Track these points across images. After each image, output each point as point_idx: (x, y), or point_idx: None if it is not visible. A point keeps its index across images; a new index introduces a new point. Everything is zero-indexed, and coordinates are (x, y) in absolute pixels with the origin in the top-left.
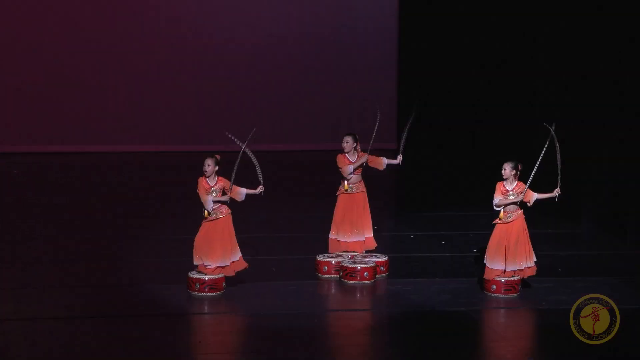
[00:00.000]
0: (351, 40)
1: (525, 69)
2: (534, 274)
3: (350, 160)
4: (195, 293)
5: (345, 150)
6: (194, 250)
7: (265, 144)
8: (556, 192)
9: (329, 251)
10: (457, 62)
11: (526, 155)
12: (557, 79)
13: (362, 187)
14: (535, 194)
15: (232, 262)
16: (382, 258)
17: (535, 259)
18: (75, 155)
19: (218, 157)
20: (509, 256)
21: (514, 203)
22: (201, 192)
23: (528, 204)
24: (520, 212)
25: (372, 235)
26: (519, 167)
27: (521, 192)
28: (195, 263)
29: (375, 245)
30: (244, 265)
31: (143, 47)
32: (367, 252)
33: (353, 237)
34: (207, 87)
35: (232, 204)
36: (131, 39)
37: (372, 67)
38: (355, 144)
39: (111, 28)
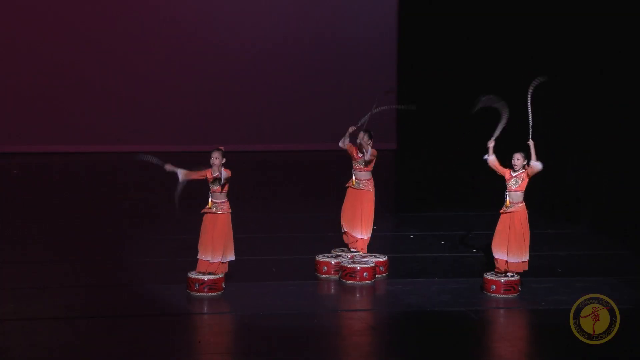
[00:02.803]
0: (351, 40)
1: (525, 68)
2: (524, 269)
3: (358, 154)
4: (195, 293)
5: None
6: (199, 244)
7: (266, 144)
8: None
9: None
10: (457, 62)
11: (526, 154)
12: (557, 79)
13: (368, 185)
14: (532, 161)
15: (227, 261)
16: (382, 258)
17: (527, 257)
18: (76, 155)
19: (222, 148)
20: (510, 248)
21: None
22: (195, 172)
23: (538, 167)
24: (521, 204)
25: (367, 237)
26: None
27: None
28: (199, 257)
29: (365, 250)
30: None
31: (143, 47)
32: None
33: (353, 233)
34: (208, 88)
35: (231, 204)
36: (131, 39)
37: (372, 67)
38: (370, 141)
39: (111, 28)
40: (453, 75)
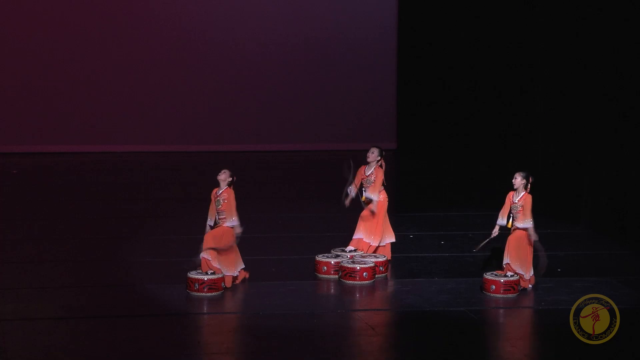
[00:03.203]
0: (351, 40)
1: (525, 69)
2: (526, 286)
3: (366, 173)
4: (194, 293)
5: (368, 160)
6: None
7: (266, 144)
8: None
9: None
10: (457, 61)
11: (525, 155)
12: (556, 81)
13: (380, 197)
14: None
15: (230, 275)
16: (381, 258)
17: (523, 273)
18: (75, 155)
19: (235, 178)
20: (511, 257)
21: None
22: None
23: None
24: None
25: (375, 245)
26: (530, 179)
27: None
28: (201, 255)
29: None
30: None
31: (144, 47)
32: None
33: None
34: (207, 88)
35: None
36: (132, 39)
37: (372, 67)
38: (379, 158)
39: (112, 28)
40: (453, 75)
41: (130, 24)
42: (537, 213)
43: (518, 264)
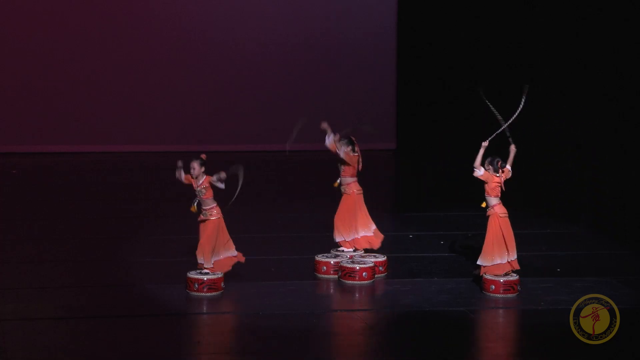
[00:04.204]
0: (351, 40)
1: (525, 69)
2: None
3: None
4: (194, 293)
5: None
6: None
7: (265, 144)
8: (512, 148)
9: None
10: (457, 61)
11: (525, 154)
12: (556, 81)
13: (348, 189)
14: (507, 166)
15: (226, 257)
16: (381, 258)
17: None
18: (75, 155)
19: (204, 157)
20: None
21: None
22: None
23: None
24: (493, 210)
25: (370, 234)
26: (498, 163)
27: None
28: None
29: (375, 246)
30: (238, 260)
31: (144, 47)
32: (365, 250)
33: (352, 235)
34: (207, 88)
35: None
36: (132, 39)
37: (372, 67)
38: (348, 147)
39: (112, 28)
40: (453, 75)
41: (130, 24)
42: (538, 213)
43: (499, 251)
